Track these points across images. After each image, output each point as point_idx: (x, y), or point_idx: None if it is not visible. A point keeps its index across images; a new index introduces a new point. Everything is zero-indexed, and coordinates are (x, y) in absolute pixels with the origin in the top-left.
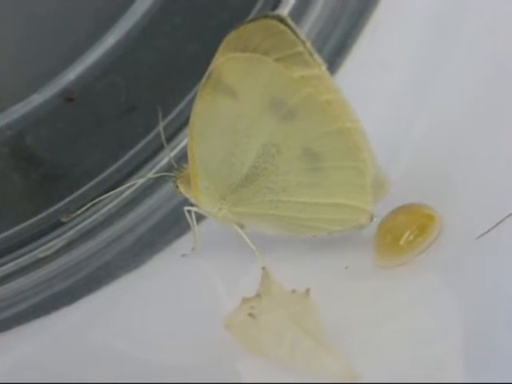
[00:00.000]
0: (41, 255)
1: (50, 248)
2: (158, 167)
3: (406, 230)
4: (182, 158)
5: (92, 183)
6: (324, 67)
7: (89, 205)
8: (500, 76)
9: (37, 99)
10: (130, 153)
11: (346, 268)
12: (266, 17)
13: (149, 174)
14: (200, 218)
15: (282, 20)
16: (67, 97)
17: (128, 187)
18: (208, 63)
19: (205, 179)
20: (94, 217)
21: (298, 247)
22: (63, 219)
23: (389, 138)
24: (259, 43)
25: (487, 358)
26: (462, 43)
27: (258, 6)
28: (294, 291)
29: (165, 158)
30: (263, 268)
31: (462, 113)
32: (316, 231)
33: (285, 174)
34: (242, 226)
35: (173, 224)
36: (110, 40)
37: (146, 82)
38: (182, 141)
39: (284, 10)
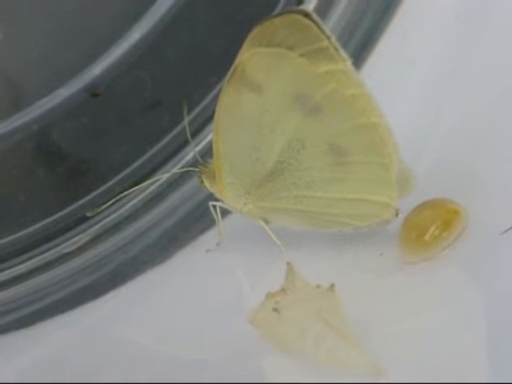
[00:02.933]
0: (66, 250)
1: (75, 243)
2: (183, 162)
3: (431, 225)
4: (207, 152)
5: (117, 178)
6: (349, 62)
7: (114, 200)
8: None
9: (62, 94)
10: (155, 148)
11: (381, 255)
12: (291, 12)
13: (174, 168)
14: (225, 212)
15: (306, 15)
16: (93, 92)
17: (153, 182)
18: (233, 58)
19: (230, 174)
20: (119, 212)
21: (323, 242)
22: (88, 214)
23: (414, 132)
24: (284, 38)
25: (511, 353)
26: (486, 38)
27: (283, 0)
28: (318, 286)
29: (190, 153)
30: (288, 263)
31: (487, 108)
32: (341, 226)
33: (310, 169)
34: (266, 221)
35: (198, 219)
36: (136, 35)
37: (171, 77)
38: (207, 136)
39: (309, 5)
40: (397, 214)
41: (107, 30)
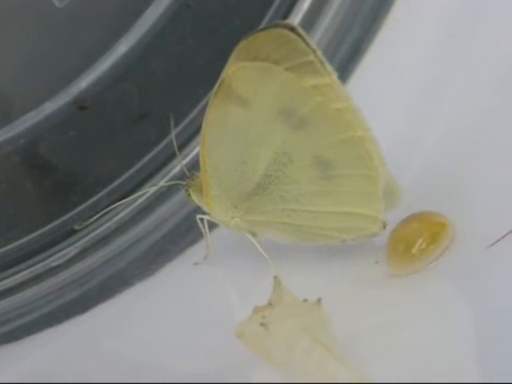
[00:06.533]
0: (54, 263)
1: (62, 256)
2: (170, 175)
3: (418, 238)
4: (194, 165)
5: (105, 191)
6: (335, 76)
7: (102, 213)
8: None
9: (49, 108)
10: (143, 161)
11: (368, 268)
12: (277, 26)
13: (161, 182)
14: (212, 226)
15: (292, 29)
16: (80, 105)
17: (140, 195)
18: (219, 71)
19: (217, 187)
20: (107, 225)
21: (311, 255)
22: (76, 227)
23: (400, 145)
24: (270, 52)
25: (499, 365)
26: (474, 49)
27: (270, 14)
28: (305, 300)
29: (177, 166)
30: (275, 277)
31: (474, 119)
32: (328, 239)
33: (296, 182)
34: (254, 234)
35: (185, 232)
36: (122, 48)
37: (157, 90)
38: (194, 149)
39: (295, 19)
40: (384, 227)
41: (94, 43)
